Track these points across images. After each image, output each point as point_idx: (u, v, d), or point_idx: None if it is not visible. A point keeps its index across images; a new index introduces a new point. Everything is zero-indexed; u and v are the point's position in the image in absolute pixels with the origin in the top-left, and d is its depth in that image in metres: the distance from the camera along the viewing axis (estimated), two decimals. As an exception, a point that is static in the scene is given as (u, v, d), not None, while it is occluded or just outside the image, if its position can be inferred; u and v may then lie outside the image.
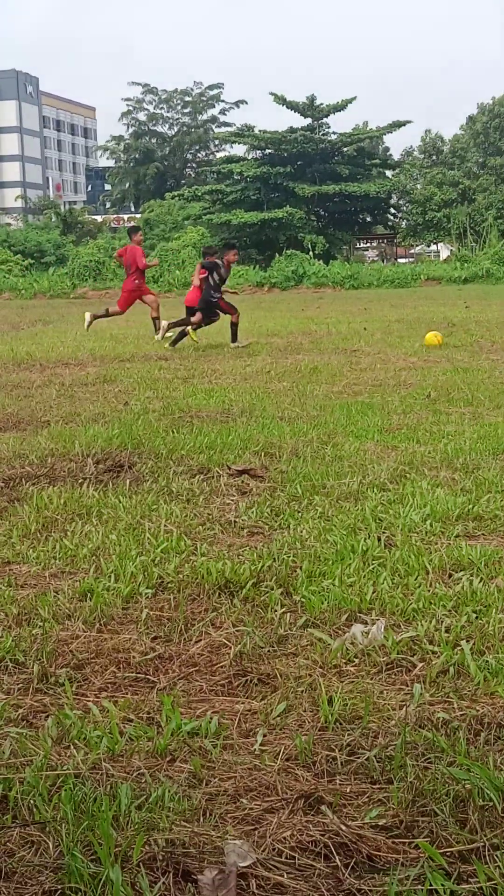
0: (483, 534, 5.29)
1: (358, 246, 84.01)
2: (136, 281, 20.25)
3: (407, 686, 3.44)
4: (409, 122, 77.31)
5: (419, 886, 2.29)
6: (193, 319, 17.96)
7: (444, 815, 2.57)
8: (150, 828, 2.54)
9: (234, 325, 17.62)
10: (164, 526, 5.39)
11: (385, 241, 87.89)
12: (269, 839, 2.51)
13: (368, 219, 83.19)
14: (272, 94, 75.16)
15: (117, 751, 3.00)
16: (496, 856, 2.39)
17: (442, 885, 2.28)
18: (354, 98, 76.23)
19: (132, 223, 49.44)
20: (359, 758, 2.93)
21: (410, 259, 78.32)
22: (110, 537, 5.21)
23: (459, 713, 3.18)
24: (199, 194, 75.08)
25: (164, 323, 18.57)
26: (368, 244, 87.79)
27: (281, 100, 75.33)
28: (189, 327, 17.76)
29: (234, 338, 17.53)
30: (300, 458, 7.19)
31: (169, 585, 4.51)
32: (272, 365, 14.10)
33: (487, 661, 3.54)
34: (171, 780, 2.82)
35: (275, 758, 2.95)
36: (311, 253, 65.19)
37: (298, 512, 5.72)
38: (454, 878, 2.33)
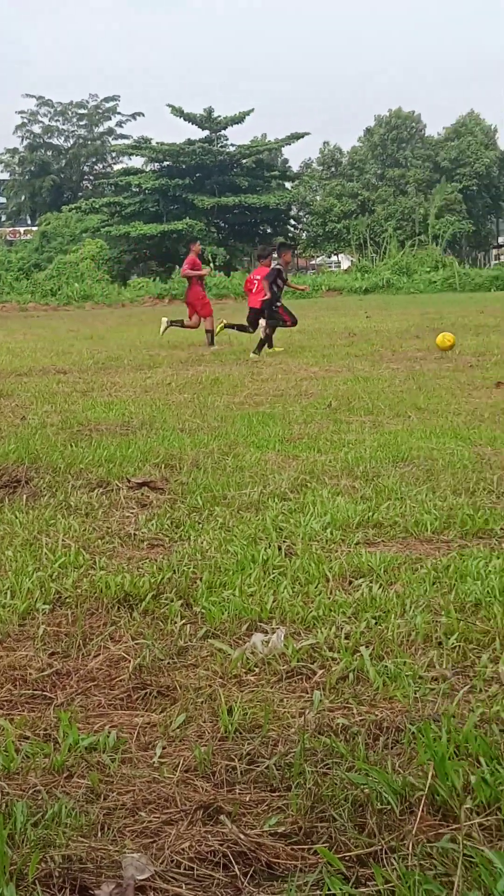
0: (383, 540, 5.34)
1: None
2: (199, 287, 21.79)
3: (307, 693, 3.44)
4: (306, 133, 78.00)
5: (318, 892, 2.29)
6: (262, 326, 18.51)
7: (342, 819, 2.58)
8: (47, 844, 2.50)
9: (269, 337, 18.07)
10: (63, 540, 5.32)
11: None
12: (168, 851, 2.49)
13: (269, 230, 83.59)
14: (169, 105, 75.26)
15: (13, 769, 2.94)
16: (394, 858, 2.40)
17: (340, 889, 2.28)
18: (252, 110, 76.72)
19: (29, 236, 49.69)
20: (258, 766, 2.92)
21: (312, 270, 78.93)
22: (6, 553, 5.13)
23: (359, 718, 3.19)
24: (97, 206, 74.67)
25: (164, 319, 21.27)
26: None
27: (178, 112, 75.44)
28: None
29: (260, 348, 17.64)
30: (201, 469, 7.18)
31: (67, 600, 4.45)
32: (173, 377, 14.09)
33: (386, 666, 3.57)
34: (69, 795, 2.78)
35: (174, 769, 2.93)
36: (212, 264, 65.30)
37: (199, 523, 5.71)
38: (352, 882, 2.33)
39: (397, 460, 7.29)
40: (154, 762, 2.99)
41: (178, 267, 62.03)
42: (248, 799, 2.75)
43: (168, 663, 3.74)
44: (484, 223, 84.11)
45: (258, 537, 5.32)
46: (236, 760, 2.96)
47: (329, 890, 2.28)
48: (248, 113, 76.63)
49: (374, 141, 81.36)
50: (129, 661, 3.74)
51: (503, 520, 5.52)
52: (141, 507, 6.20)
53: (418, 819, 2.55)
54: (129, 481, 6.79)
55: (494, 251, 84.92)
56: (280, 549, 5.09)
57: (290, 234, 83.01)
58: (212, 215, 74.66)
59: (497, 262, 75.50)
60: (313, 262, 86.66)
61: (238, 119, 76.64)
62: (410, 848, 2.44)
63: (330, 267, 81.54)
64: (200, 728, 3.20)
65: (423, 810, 2.59)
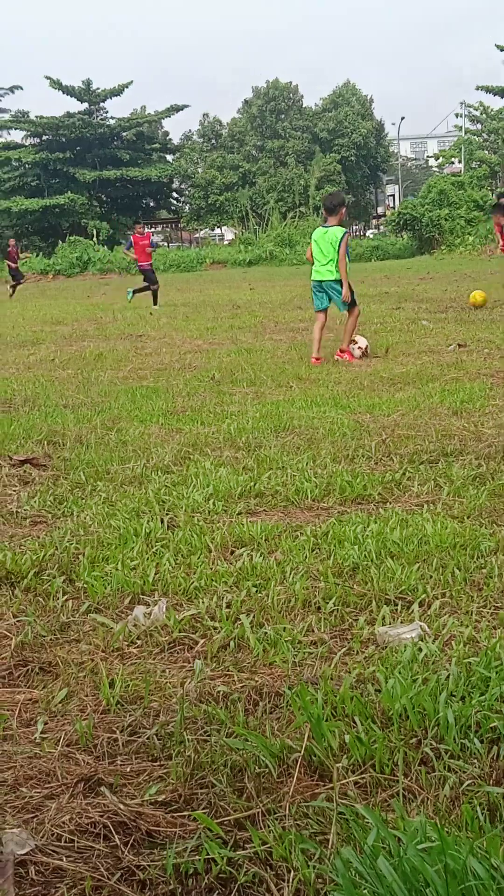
0: (264, 510, 5.39)
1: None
2: None
3: (189, 663, 3.48)
4: (186, 105, 77.75)
5: (196, 857, 2.33)
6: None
7: (221, 785, 2.62)
8: None
9: None
10: None
11: (169, 225, 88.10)
12: (49, 825, 2.50)
13: (152, 203, 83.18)
14: (48, 77, 74.06)
15: None
16: (271, 820, 2.45)
17: (218, 853, 2.32)
18: (131, 82, 76.15)
19: None
20: (140, 737, 2.95)
21: (195, 244, 78.73)
22: None
23: (239, 685, 3.24)
24: (-24, 182, 73.19)
25: None
26: (153, 229, 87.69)
27: (57, 84, 74.26)
28: None
29: None
30: (84, 444, 7.14)
31: None
32: (56, 353, 13.96)
33: (266, 633, 3.62)
34: (-51, 776, 2.77)
35: (55, 744, 2.93)
36: (95, 239, 64.68)
37: (82, 499, 5.69)
38: (230, 846, 2.38)
39: (279, 430, 7.35)
40: (35, 738, 2.99)
41: (61, 242, 61.32)
42: (129, 770, 2.78)
43: (50, 639, 3.73)
44: (363, 193, 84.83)
45: (141, 511, 5.33)
46: (118, 732, 2.98)
47: (208, 854, 2.32)
48: (127, 85, 75.95)
49: (252, 112, 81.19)
50: (11, 639, 3.72)
51: (380, 485, 5.63)
52: (23, 485, 6.15)
53: (295, 780, 2.61)
54: (10, 459, 6.72)
55: (374, 221, 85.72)
56: (163, 521, 5.10)
57: (172, 208, 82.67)
58: (94, 189, 73.92)
59: (376, 231, 76.22)
60: (197, 235, 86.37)
61: (117, 91, 75.88)
62: (287, 809, 2.50)
63: (213, 240, 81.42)
64: (82, 702, 3.21)
65: (299, 771, 2.65)
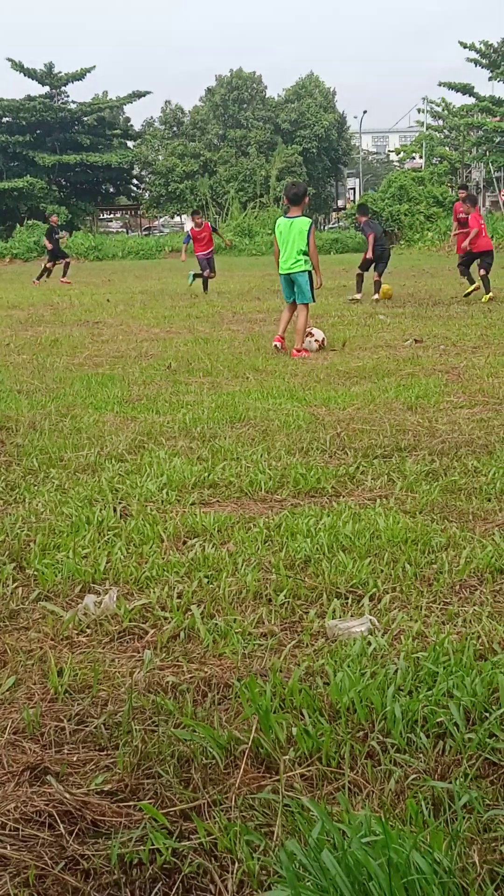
0: (218, 500, 5.39)
1: (102, 216, 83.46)
2: None
3: (138, 653, 3.47)
4: (148, 92, 77.23)
5: (141, 847, 2.33)
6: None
7: (168, 775, 2.62)
8: None
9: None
10: None
11: (129, 212, 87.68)
12: (-7, 814, 2.49)
13: (111, 189, 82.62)
14: (9, 59, 73.32)
15: None
16: (216, 812, 2.45)
17: (164, 843, 2.32)
18: (94, 67, 75.49)
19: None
20: (87, 726, 2.94)
21: (158, 232, 78.51)
22: None
23: (188, 676, 3.24)
24: None
25: None
26: (112, 215, 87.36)
27: (18, 66, 73.55)
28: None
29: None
30: (38, 431, 7.10)
31: None
32: (11, 338, 13.85)
33: (217, 624, 3.62)
34: None
35: (2, 732, 2.92)
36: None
37: (34, 485, 5.66)
38: (175, 836, 2.38)
39: (234, 421, 7.35)
40: (-19, 726, 2.97)
41: (18, 226, 60.79)
42: (75, 759, 2.77)
43: (-1, 627, 3.71)
44: (324, 186, 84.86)
45: (94, 499, 5.31)
46: (65, 721, 2.97)
47: (153, 844, 2.32)
48: (89, 70, 75.34)
49: (215, 101, 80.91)
50: (-41, 627, 3.69)
51: (334, 479, 5.64)
52: (-26, 471, 6.10)
53: (241, 772, 2.62)
54: (-38, 444, 6.66)
55: (334, 214, 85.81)
56: (115, 510, 5.09)
57: (132, 195, 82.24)
58: (53, 173, 73.32)
59: (336, 224, 76.31)
60: (156, 222, 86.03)
61: (79, 76, 75.28)
62: (233, 800, 2.50)
63: (173, 228, 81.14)
64: (30, 690, 3.20)
65: (246, 763, 2.66)
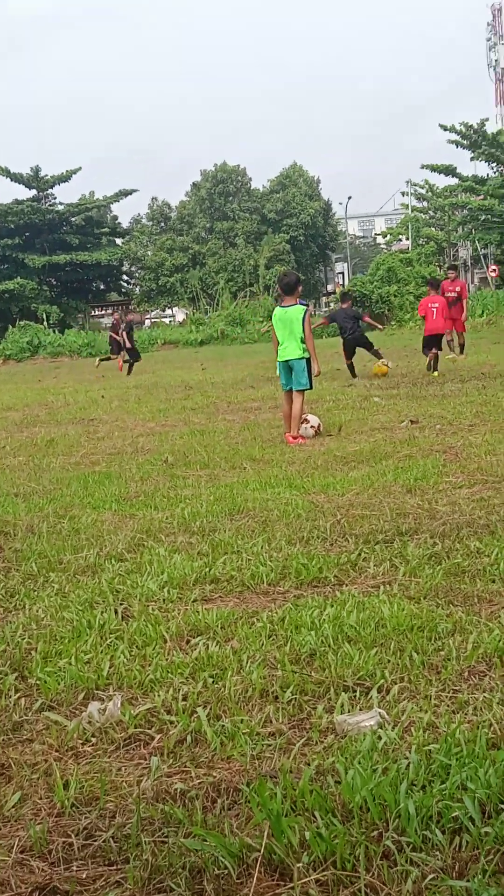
0: (220, 596, 5.35)
1: (94, 313, 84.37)
2: None
3: (145, 760, 3.41)
4: (135, 190, 78.65)
5: None
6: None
7: (180, 889, 2.55)
8: None
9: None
10: None
11: (120, 307, 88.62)
12: (2, 941, 2.42)
13: (102, 286, 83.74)
14: (-5, 166, 74.80)
15: None
16: (231, 925, 2.39)
17: None
18: (79, 169, 77.00)
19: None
20: (95, 840, 2.87)
21: (147, 324, 79.24)
22: None
23: (197, 782, 3.18)
24: None
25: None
26: (104, 311, 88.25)
27: (5, 172, 75.02)
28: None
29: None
30: (36, 534, 7.07)
31: None
32: (7, 440, 13.88)
33: (224, 726, 3.57)
34: None
35: (9, 851, 2.85)
36: (45, 323, 64.89)
37: (34, 591, 5.62)
38: None
39: (233, 513, 7.33)
40: (-12, 846, 2.90)
41: (10, 327, 61.42)
42: (85, 875, 2.70)
43: (2, 740, 3.65)
44: (313, 272, 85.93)
45: (94, 601, 5.27)
46: (73, 836, 2.91)
47: None
48: (75, 171, 76.83)
49: (201, 195, 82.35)
50: (-38, 742, 3.63)
51: (336, 567, 5.61)
52: (-26, 578, 6.06)
53: (255, 881, 2.55)
54: (-39, 552, 6.63)
55: (324, 298, 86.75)
56: (117, 612, 5.05)
57: (123, 290, 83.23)
58: (44, 274, 74.31)
59: (327, 309, 77.06)
60: (148, 316, 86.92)
61: (65, 178, 76.75)
62: (248, 912, 2.44)
63: (165, 320, 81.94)
64: (36, 805, 3.13)
65: (259, 871, 2.59)
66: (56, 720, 3.76)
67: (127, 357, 31.29)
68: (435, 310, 20.42)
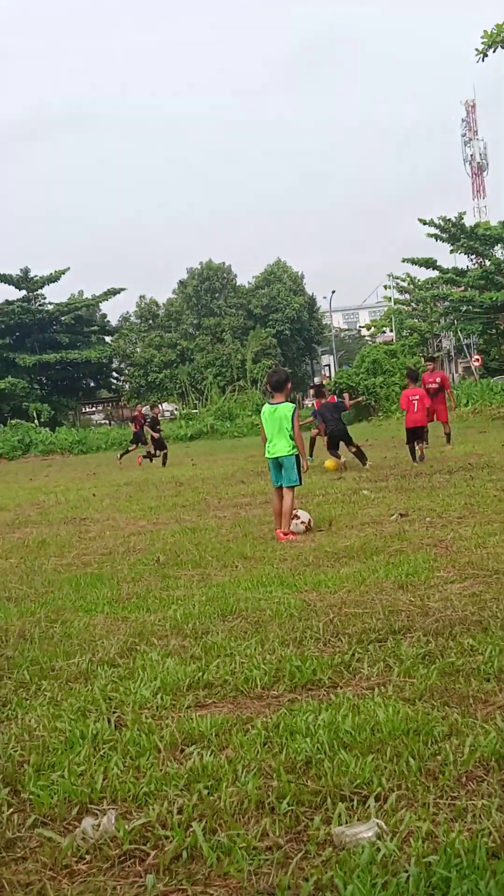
0: (214, 701, 5.30)
1: (84, 410, 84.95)
2: None
3: (140, 877, 3.35)
4: (123, 289, 79.89)
5: None
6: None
7: None
8: None
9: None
10: None
11: (110, 404, 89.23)
12: None
13: (92, 384, 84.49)
14: (-16, 268, 75.88)
15: None
16: None
17: None
18: (68, 269, 78.16)
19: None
20: None
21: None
22: None
23: (193, 901, 3.12)
24: None
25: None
26: (94, 408, 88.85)
27: (-6, 274, 76.08)
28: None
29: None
30: (28, 640, 7.01)
31: None
32: (-1, 542, 13.83)
33: (220, 841, 3.51)
34: None
35: None
36: (36, 421, 65.25)
37: (26, 699, 5.55)
38: None
39: (225, 613, 7.29)
40: None
41: (2, 426, 61.69)
42: None
43: (-5, 860, 3.58)
44: (299, 365, 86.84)
45: (87, 710, 5.21)
46: None
47: None
48: (63, 272, 77.98)
49: (188, 292, 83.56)
50: (-46, 863, 3.56)
51: (330, 668, 5.57)
52: (-35, 688, 5.99)
53: None
54: (-48, 660, 6.56)
55: (311, 391, 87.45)
56: (110, 721, 4.99)
57: (113, 387, 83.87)
58: (34, 372, 74.96)
59: (313, 401, 77.65)
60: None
61: (54, 278, 77.87)
62: None
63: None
64: (30, 930, 3.06)
65: None
66: (50, 837, 3.70)
67: (153, 450, 32.00)
68: (416, 402, 20.63)
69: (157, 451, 32.12)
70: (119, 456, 36.67)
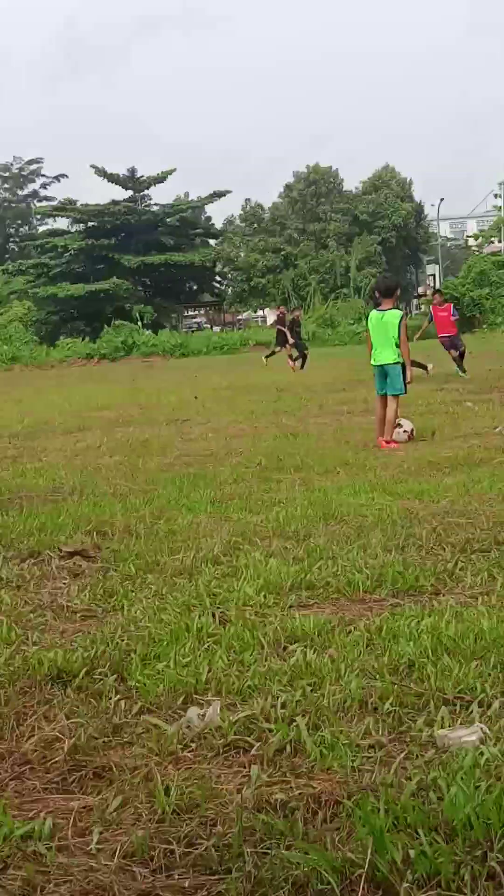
0: (316, 602, 5.33)
1: (186, 314, 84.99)
2: None
3: (244, 768, 3.40)
4: (228, 191, 79.16)
5: None
6: None
7: (283, 902, 2.55)
8: None
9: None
10: (-6, 616, 5.24)
11: (212, 308, 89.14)
12: None
13: (195, 287, 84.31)
14: (93, 166, 75.82)
15: None
16: (335, 941, 2.37)
17: None
18: (174, 169, 77.69)
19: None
20: (197, 849, 2.88)
21: (239, 326, 79.57)
22: None
23: (297, 793, 3.16)
24: (24, 268, 74.83)
25: None
26: (196, 311, 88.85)
27: (102, 172, 76.04)
28: None
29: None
30: (133, 535, 7.13)
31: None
32: (103, 440, 14.03)
33: (323, 736, 3.54)
34: (4, 889, 2.71)
35: (111, 856, 2.87)
36: (139, 323, 65.49)
37: (132, 591, 5.66)
38: None
39: (328, 518, 7.31)
40: (91, 849, 2.93)
41: (105, 326, 62.13)
42: (187, 884, 2.71)
43: (103, 742, 3.68)
44: (404, 274, 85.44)
45: (192, 605, 5.29)
46: (174, 843, 2.91)
47: None
48: (170, 172, 77.56)
49: (293, 196, 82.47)
50: (64, 742, 3.66)
51: (433, 576, 5.56)
52: (73, 577, 6.13)
53: (359, 898, 2.53)
54: (60, 550, 6.72)
55: (415, 301, 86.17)
56: (214, 616, 5.06)
57: (215, 291, 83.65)
58: (138, 274, 75.11)
59: (418, 311, 76.50)
60: (240, 317, 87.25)
61: (161, 178, 77.52)
62: (352, 929, 2.42)
63: (256, 321, 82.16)
64: (137, 810, 3.15)
65: (363, 888, 2.57)
66: (156, 724, 3.78)
67: (295, 353, 31.90)
68: None
69: (297, 354, 31.95)
70: (265, 357, 36.41)
